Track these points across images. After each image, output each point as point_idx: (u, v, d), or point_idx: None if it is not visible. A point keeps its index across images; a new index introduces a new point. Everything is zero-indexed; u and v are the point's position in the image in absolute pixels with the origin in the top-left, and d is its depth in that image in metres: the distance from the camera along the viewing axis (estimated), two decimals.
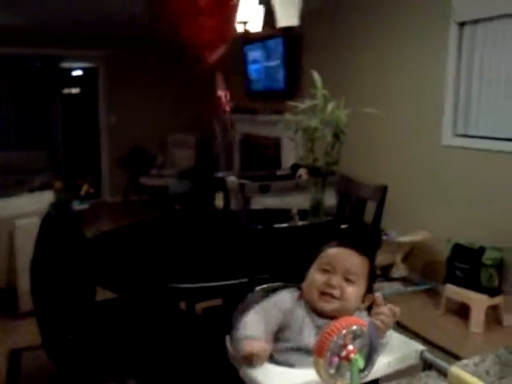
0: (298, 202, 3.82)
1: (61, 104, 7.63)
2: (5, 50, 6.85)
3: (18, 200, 3.82)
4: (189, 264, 2.28)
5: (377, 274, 2.44)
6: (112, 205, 7.44)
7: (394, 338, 1.25)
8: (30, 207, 3.55)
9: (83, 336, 2.15)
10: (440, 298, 3.67)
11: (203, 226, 2.96)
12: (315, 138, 2.63)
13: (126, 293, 2.23)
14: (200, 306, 2.75)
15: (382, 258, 3.88)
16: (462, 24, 3.79)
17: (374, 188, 3.11)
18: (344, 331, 0.96)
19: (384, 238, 3.89)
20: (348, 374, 0.97)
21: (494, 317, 3.43)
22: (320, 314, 1.31)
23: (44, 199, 3.60)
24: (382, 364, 1.14)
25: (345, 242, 1.40)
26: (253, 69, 6.42)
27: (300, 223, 2.74)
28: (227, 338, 1.28)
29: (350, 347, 0.97)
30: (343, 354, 0.96)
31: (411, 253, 4.16)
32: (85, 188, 5.36)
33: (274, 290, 1.45)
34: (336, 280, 1.32)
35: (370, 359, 1.02)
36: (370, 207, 3.13)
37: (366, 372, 1.01)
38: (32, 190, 5.16)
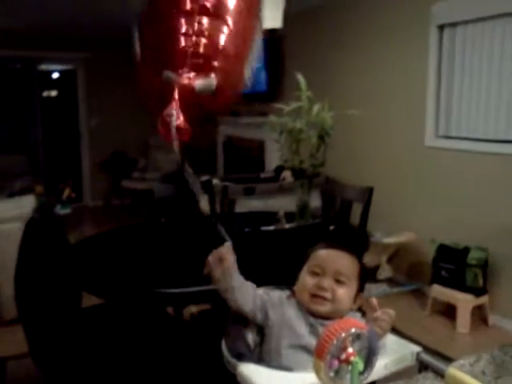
0: (282, 204, 3.82)
1: (40, 107, 7.53)
2: None
3: None
4: (176, 269, 2.25)
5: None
6: (94, 209, 7.36)
7: (390, 339, 1.24)
8: (11, 212, 3.49)
9: (70, 343, 2.11)
10: (426, 298, 3.70)
11: (190, 230, 2.94)
12: (300, 139, 2.64)
13: (112, 298, 2.20)
14: (189, 311, 2.73)
15: (367, 260, 3.89)
16: (441, 27, 3.84)
17: (359, 189, 3.13)
18: (343, 334, 0.95)
19: (369, 239, 3.91)
20: (347, 376, 0.96)
21: (479, 316, 3.47)
22: (314, 315, 1.31)
23: (25, 204, 3.54)
24: (379, 366, 1.14)
25: (334, 243, 1.40)
26: None
27: (287, 226, 2.74)
28: (223, 342, 1.27)
29: (350, 350, 0.96)
30: (343, 356, 0.95)
31: (396, 254, 4.18)
32: (66, 192, 5.28)
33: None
34: (327, 282, 1.31)
35: (369, 362, 1.01)
36: (356, 209, 3.14)
37: (366, 375, 1.00)
38: (12, 195, 5.07)
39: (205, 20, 1.21)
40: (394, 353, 1.19)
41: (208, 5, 1.21)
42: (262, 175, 5.22)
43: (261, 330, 1.31)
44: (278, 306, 1.32)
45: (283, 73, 5.60)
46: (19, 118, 7.40)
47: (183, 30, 1.18)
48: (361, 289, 1.37)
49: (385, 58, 4.33)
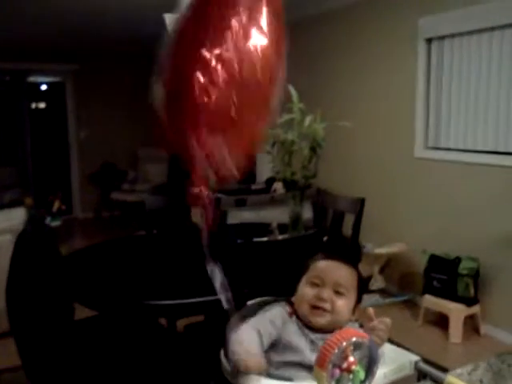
0: (274, 215, 3.82)
1: (29, 119, 7.50)
2: None
3: None
4: (169, 280, 2.24)
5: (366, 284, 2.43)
6: (84, 221, 7.32)
7: (388, 348, 1.25)
8: (1, 224, 3.46)
9: (63, 356, 2.09)
10: (418, 308, 3.71)
11: (181, 242, 2.93)
12: (292, 151, 2.65)
13: (105, 310, 2.19)
14: (182, 323, 2.71)
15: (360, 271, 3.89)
16: (429, 40, 3.90)
17: (351, 201, 3.14)
18: (345, 343, 0.96)
19: (362, 250, 3.93)
20: None
21: (471, 326, 3.49)
22: (312, 328, 1.31)
23: (15, 216, 3.51)
24: (378, 375, 1.13)
25: (333, 254, 1.41)
26: None
27: (280, 237, 2.74)
28: (222, 352, 1.26)
29: (351, 359, 0.96)
30: (344, 365, 0.96)
31: (388, 265, 4.20)
32: (56, 204, 5.25)
33: (265, 304, 1.44)
34: (326, 293, 1.31)
35: (369, 371, 1.02)
36: (348, 220, 3.16)
37: (367, 383, 1.00)
38: (1, 207, 5.03)
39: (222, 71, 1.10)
40: (392, 362, 1.20)
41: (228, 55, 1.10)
42: (253, 187, 5.22)
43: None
44: (280, 325, 1.32)
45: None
46: (8, 130, 7.37)
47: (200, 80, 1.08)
48: (358, 300, 1.37)
49: (375, 69, 4.38)
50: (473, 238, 3.57)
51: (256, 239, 2.69)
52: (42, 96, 8.76)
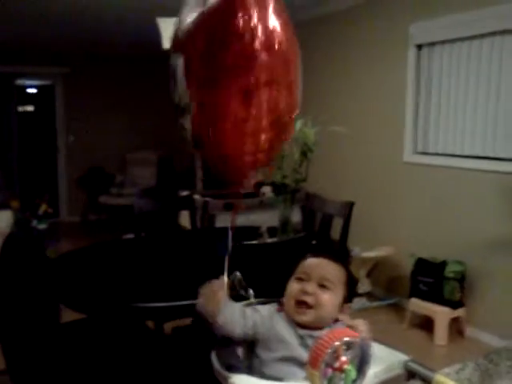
0: (263, 219, 3.84)
1: (17, 122, 7.44)
2: None
3: None
4: (156, 283, 2.24)
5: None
6: (70, 224, 7.27)
7: (378, 348, 1.26)
8: None
9: (49, 359, 2.08)
10: (404, 312, 3.75)
11: (170, 245, 2.93)
12: (283, 155, 2.67)
13: (93, 313, 2.19)
14: (170, 326, 2.71)
15: None
16: (419, 46, 3.94)
17: (340, 204, 3.16)
18: (337, 343, 0.97)
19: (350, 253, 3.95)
20: None
21: (456, 329, 3.53)
22: (300, 325, 1.32)
23: (2, 219, 3.51)
24: (369, 375, 1.15)
25: (321, 253, 1.42)
26: None
27: (269, 240, 2.76)
28: (213, 354, 1.27)
29: (343, 358, 0.98)
30: (336, 365, 0.97)
31: (375, 268, 4.23)
32: (43, 207, 5.21)
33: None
34: (311, 287, 1.32)
35: (361, 370, 1.03)
36: (336, 223, 3.18)
37: (359, 382, 1.02)
38: None
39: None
40: (382, 362, 1.21)
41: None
42: (242, 190, 5.22)
43: (251, 344, 1.32)
44: (268, 320, 1.33)
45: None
46: None
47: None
48: (349, 299, 1.38)
49: (365, 74, 4.42)
50: (459, 241, 3.61)
51: (246, 242, 2.70)
52: (30, 99, 8.70)
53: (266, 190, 4.87)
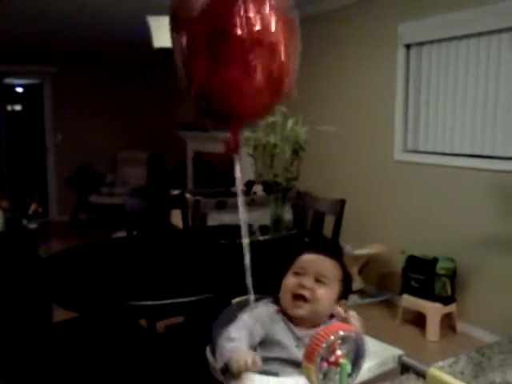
0: (254, 217, 3.84)
1: (5, 121, 7.39)
2: None
3: None
4: (149, 281, 2.24)
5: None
6: (60, 224, 7.24)
7: (372, 343, 1.27)
8: None
9: (41, 358, 2.07)
10: (396, 308, 3.77)
11: (162, 244, 2.93)
12: (275, 154, 2.67)
13: (85, 312, 2.18)
14: (163, 324, 2.70)
15: None
16: (408, 46, 3.96)
17: (332, 202, 3.18)
18: (333, 337, 0.98)
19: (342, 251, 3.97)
20: (336, 378, 0.99)
21: (448, 324, 3.56)
22: (297, 322, 1.33)
23: None
24: (363, 369, 1.16)
25: (318, 249, 1.44)
26: None
27: (261, 238, 2.76)
28: (208, 349, 1.27)
29: (339, 352, 0.98)
30: (332, 359, 0.98)
31: (367, 265, 4.25)
32: (33, 207, 5.17)
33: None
34: (307, 281, 1.34)
35: (356, 364, 1.04)
36: (328, 221, 3.19)
37: (354, 376, 1.03)
38: None
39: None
40: (376, 356, 1.23)
41: None
42: (233, 189, 5.23)
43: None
44: (268, 322, 1.33)
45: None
46: None
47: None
48: (345, 296, 1.40)
49: (355, 73, 4.44)
50: (450, 238, 3.64)
51: (238, 240, 2.70)
52: (18, 98, 8.64)
53: (258, 188, 4.88)
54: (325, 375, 0.99)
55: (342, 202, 3.07)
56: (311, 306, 1.32)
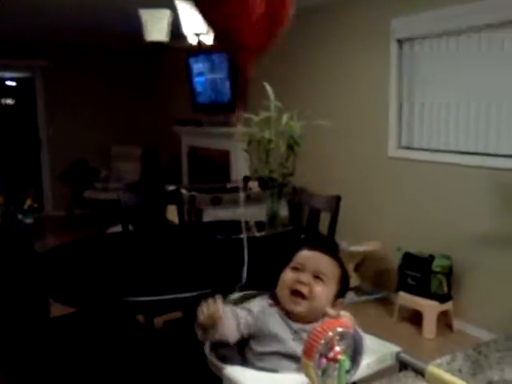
0: (250, 213, 3.83)
1: None
2: None
3: None
4: (145, 277, 2.23)
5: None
6: (55, 219, 7.21)
7: (370, 340, 1.27)
8: None
9: (38, 353, 2.07)
10: (392, 306, 3.77)
11: (158, 239, 2.92)
12: (270, 149, 2.66)
13: (82, 307, 2.17)
14: (161, 320, 2.70)
15: None
16: (400, 41, 3.96)
17: (327, 198, 3.17)
18: (331, 333, 0.97)
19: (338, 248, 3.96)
20: (334, 374, 0.98)
21: (444, 322, 3.56)
22: (294, 318, 1.32)
23: None
24: (362, 365, 1.16)
25: (317, 246, 1.44)
26: (198, 81, 6.40)
27: (257, 234, 2.75)
28: (206, 345, 1.27)
29: (337, 348, 0.98)
30: (331, 355, 0.98)
31: (363, 263, 4.25)
32: (28, 202, 5.15)
33: (247, 299, 1.45)
34: (305, 277, 1.34)
35: (354, 360, 1.04)
36: (323, 218, 3.19)
37: (352, 373, 1.03)
38: None
39: None
40: (374, 353, 1.22)
41: None
42: (229, 185, 5.23)
43: (244, 338, 1.32)
44: (261, 316, 1.33)
45: (247, 83, 5.65)
46: None
47: None
48: (342, 294, 1.39)
49: (349, 68, 4.43)
50: (446, 236, 3.64)
51: (234, 236, 2.70)
52: (10, 92, 8.58)
53: (253, 184, 4.88)
54: (323, 372, 0.98)
55: (338, 199, 3.07)
56: (309, 304, 1.31)
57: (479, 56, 3.43)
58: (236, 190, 4.98)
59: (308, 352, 0.96)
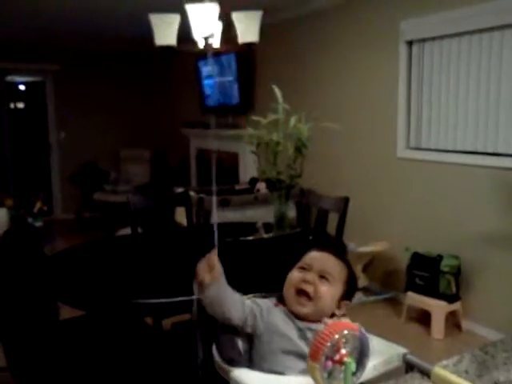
0: (258, 215, 3.85)
1: (8, 119, 7.40)
2: None
3: None
4: (154, 279, 2.25)
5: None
6: (65, 222, 7.26)
7: (377, 341, 1.28)
8: None
9: (49, 356, 2.08)
10: (401, 306, 3.76)
11: (167, 241, 2.93)
12: (277, 151, 2.67)
13: (91, 310, 2.19)
14: (169, 322, 2.71)
15: None
16: (410, 42, 3.95)
17: (336, 200, 3.18)
18: (337, 336, 0.98)
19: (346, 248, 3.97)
20: (341, 377, 0.99)
21: (453, 322, 3.55)
22: (299, 317, 1.34)
23: None
24: (368, 367, 1.17)
25: (325, 247, 1.45)
26: (207, 84, 6.44)
27: (265, 236, 2.77)
28: (214, 347, 1.28)
29: (343, 351, 0.99)
30: (336, 357, 0.99)
31: (371, 263, 4.24)
32: (38, 205, 5.19)
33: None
34: (311, 276, 1.35)
35: (360, 363, 1.05)
36: (331, 219, 3.19)
37: (358, 375, 1.03)
38: None
39: None
40: (381, 354, 1.23)
41: None
42: (237, 187, 5.24)
43: (250, 337, 1.33)
44: (267, 314, 1.34)
45: (255, 85, 5.67)
46: None
47: None
48: (348, 296, 1.40)
49: (358, 70, 4.43)
50: (454, 236, 3.63)
51: (242, 238, 2.71)
52: (21, 96, 8.66)
53: (261, 186, 4.89)
54: (330, 374, 0.99)
55: (346, 200, 3.07)
56: (314, 305, 1.32)
57: (488, 57, 3.41)
58: (244, 191, 5.00)
59: (314, 354, 0.97)
